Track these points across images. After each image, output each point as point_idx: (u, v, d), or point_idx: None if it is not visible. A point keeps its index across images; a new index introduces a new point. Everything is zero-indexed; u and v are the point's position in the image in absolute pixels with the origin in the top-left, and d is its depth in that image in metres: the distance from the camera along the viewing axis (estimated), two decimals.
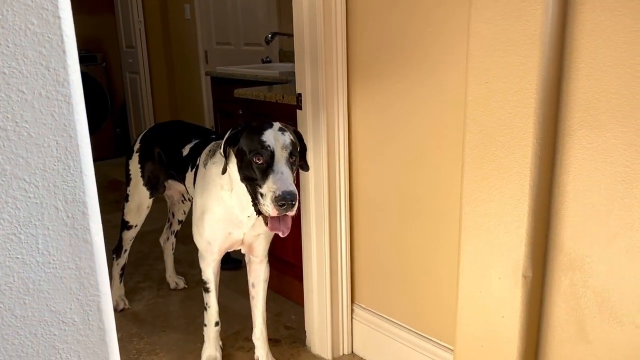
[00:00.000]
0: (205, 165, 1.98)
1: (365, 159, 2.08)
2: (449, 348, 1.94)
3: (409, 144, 1.91)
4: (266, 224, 1.71)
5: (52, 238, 0.68)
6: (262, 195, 1.63)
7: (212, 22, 5.05)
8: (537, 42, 1.42)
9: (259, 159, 1.64)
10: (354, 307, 2.28)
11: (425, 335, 2.03)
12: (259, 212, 1.71)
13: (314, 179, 2.10)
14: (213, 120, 4.41)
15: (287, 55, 4.26)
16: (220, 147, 1.80)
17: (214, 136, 2.29)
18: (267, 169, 1.63)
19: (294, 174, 1.69)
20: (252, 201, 1.72)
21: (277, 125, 1.70)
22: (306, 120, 2.02)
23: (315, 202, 2.13)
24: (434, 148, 1.84)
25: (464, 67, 1.65)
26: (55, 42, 0.64)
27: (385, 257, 2.11)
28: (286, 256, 2.64)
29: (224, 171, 1.76)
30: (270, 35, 3.83)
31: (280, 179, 1.59)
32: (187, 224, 2.98)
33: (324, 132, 2.02)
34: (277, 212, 1.59)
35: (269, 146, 1.64)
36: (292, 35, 3.74)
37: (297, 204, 1.61)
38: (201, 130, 2.48)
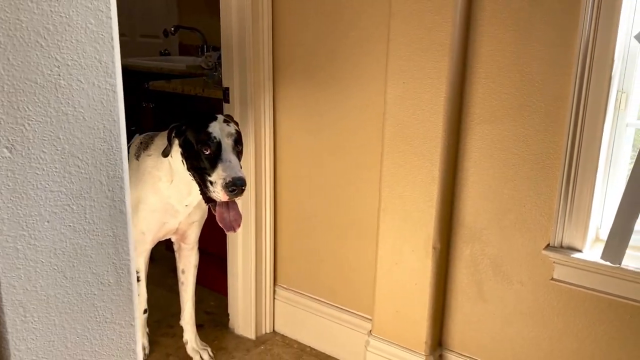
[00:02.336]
0: (137, 157, 2.02)
1: (289, 150, 2.25)
2: (366, 317, 2.17)
3: (332, 134, 2.11)
4: (217, 217, 1.80)
5: (96, 209, 0.78)
6: (211, 183, 1.73)
7: None
8: (447, 50, 1.69)
9: (206, 150, 1.74)
10: (276, 288, 2.44)
11: (345, 308, 2.25)
12: (207, 200, 1.81)
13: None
14: None
15: (188, 49, 4.28)
16: (162, 135, 1.86)
17: (133, 128, 2.32)
18: (215, 158, 1.73)
19: (240, 161, 1.81)
20: (200, 189, 1.82)
21: (221, 117, 1.82)
22: (233, 113, 2.15)
23: None
24: (355, 138, 2.06)
25: (382, 68, 1.88)
26: (107, 39, 0.75)
27: (306, 239, 2.30)
28: (208, 247, 2.73)
29: (165, 154, 1.84)
30: (172, 28, 3.85)
31: (229, 167, 1.71)
32: None
33: (252, 123, 2.16)
34: (227, 197, 1.71)
35: (215, 137, 1.75)
36: (195, 29, 3.80)
37: (246, 188, 1.74)
38: None
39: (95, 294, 0.81)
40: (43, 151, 0.71)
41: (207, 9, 3.96)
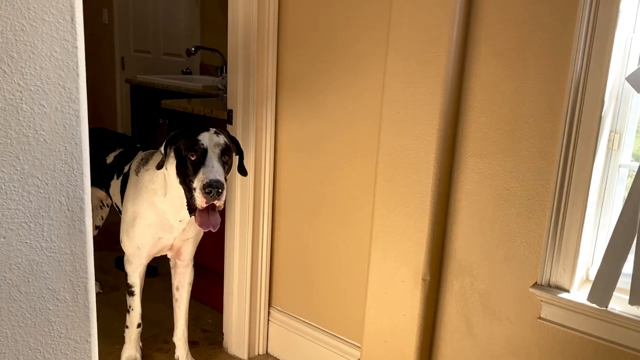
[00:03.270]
0: (137, 172, 2.08)
1: (287, 174, 2.28)
2: (356, 345, 2.17)
3: (327, 161, 2.14)
4: (197, 220, 1.84)
5: (55, 227, 0.82)
6: (194, 189, 1.79)
7: (130, 28, 5.05)
8: (441, 82, 1.70)
9: (192, 155, 1.81)
10: (271, 310, 2.45)
11: (335, 334, 2.25)
12: (191, 211, 1.86)
13: (240, 190, 2.27)
14: (130, 128, 4.42)
15: (208, 69, 4.38)
16: (159, 150, 1.93)
17: (138, 145, 2.39)
18: (200, 164, 1.80)
19: (227, 173, 1.86)
20: (186, 201, 1.86)
21: (212, 129, 1.89)
22: (236, 134, 2.19)
23: (240, 211, 2.29)
24: (349, 166, 2.08)
25: (378, 94, 1.90)
26: (71, 67, 0.79)
27: (301, 263, 2.32)
28: (205, 263, 2.77)
29: (159, 166, 1.90)
30: (193, 49, 3.95)
31: (209, 171, 1.77)
32: (103, 230, 3.02)
33: (252, 146, 2.20)
34: (204, 200, 1.75)
35: (202, 144, 1.82)
36: (215, 50, 3.89)
37: (224, 193, 1.77)
38: (125, 138, 2.55)
39: (50, 309, 0.84)
40: (2, 170, 0.75)
41: (227, 30, 4.06)
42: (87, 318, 0.88)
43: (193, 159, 1.81)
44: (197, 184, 1.78)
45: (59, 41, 0.77)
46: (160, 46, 4.79)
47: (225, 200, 1.84)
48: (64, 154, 0.80)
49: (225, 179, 1.83)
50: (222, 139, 1.86)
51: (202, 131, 1.86)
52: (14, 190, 0.77)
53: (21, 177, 0.77)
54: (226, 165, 1.85)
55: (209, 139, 1.83)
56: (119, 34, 5.13)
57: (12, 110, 0.74)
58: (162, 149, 1.90)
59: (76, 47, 0.79)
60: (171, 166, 1.90)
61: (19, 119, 0.75)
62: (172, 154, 1.90)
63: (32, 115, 0.76)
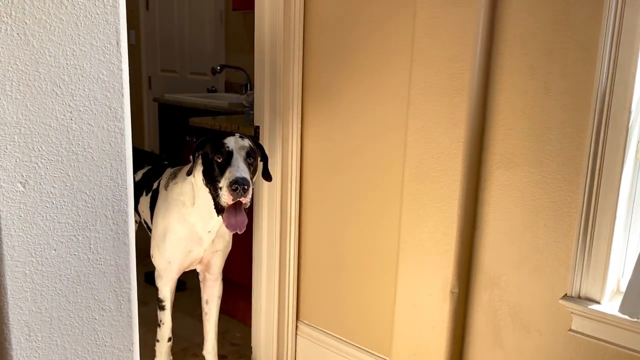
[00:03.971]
0: (166, 187, 2.14)
1: (313, 187, 2.32)
2: (384, 359, 2.17)
3: (353, 173, 2.16)
4: (224, 221, 1.90)
5: (100, 240, 0.86)
6: (220, 189, 1.85)
7: (157, 49, 5.18)
8: (465, 97, 1.73)
9: (219, 158, 1.88)
10: (299, 324, 2.47)
11: (363, 348, 2.26)
12: (219, 211, 1.91)
13: (267, 205, 2.31)
14: (158, 146, 4.51)
15: (233, 87, 4.46)
16: (190, 164, 2.00)
17: (166, 162, 2.45)
18: (226, 165, 1.86)
19: (252, 174, 1.92)
20: (213, 202, 1.92)
21: (237, 134, 1.97)
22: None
23: (267, 224, 2.33)
24: (375, 179, 2.11)
25: (404, 106, 1.93)
26: (117, 88, 0.84)
27: (328, 276, 2.34)
28: (233, 277, 2.81)
29: (189, 173, 1.97)
30: (219, 67, 4.03)
31: (235, 170, 1.83)
32: None
33: (279, 159, 2.24)
34: (231, 197, 1.81)
35: (228, 147, 1.89)
36: (239, 68, 3.97)
37: (249, 190, 1.83)
38: (153, 156, 2.63)
39: (96, 319, 0.88)
40: (53, 187, 0.79)
41: (251, 49, 4.14)
42: (130, 327, 0.92)
43: (219, 161, 1.87)
44: (223, 182, 1.84)
45: (105, 64, 0.82)
46: (186, 65, 4.90)
47: (252, 200, 1.90)
48: (109, 170, 0.85)
49: (251, 180, 1.88)
50: (247, 142, 1.93)
51: (228, 135, 1.94)
52: (64, 205, 0.81)
53: (70, 193, 0.81)
54: (251, 167, 1.92)
55: (235, 142, 1.90)
56: (146, 54, 5.27)
57: (62, 129, 0.79)
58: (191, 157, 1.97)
59: (121, 70, 0.83)
60: (198, 173, 1.96)
61: (69, 138, 0.80)
62: (200, 161, 1.95)
63: (80, 134, 0.81)
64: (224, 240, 2.15)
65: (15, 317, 0.79)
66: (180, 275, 2.24)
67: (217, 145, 1.90)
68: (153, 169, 2.38)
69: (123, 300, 0.90)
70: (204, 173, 1.94)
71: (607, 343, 1.61)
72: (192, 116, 3.25)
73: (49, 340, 0.83)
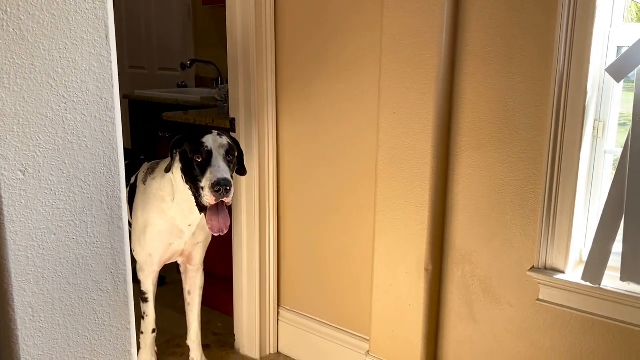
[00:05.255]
0: (144, 182, 2.16)
1: (290, 175, 2.38)
2: (364, 338, 2.25)
3: (329, 160, 2.23)
4: (208, 224, 1.93)
5: (97, 224, 0.91)
6: (202, 188, 1.88)
7: (125, 45, 5.14)
8: (433, 82, 1.81)
9: (199, 157, 1.90)
10: (280, 310, 2.54)
11: (343, 329, 2.34)
12: (201, 209, 1.94)
13: (246, 194, 2.36)
14: (130, 143, 4.49)
15: (204, 81, 4.47)
16: (166, 162, 2.02)
17: (142, 157, 2.47)
18: (206, 165, 1.89)
19: (232, 171, 1.95)
20: (195, 200, 1.95)
21: (215, 132, 1.99)
22: (240, 140, 2.28)
23: (246, 215, 2.38)
24: (350, 165, 2.18)
25: (375, 95, 2.00)
26: (107, 79, 0.88)
27: (307, 261, 2.40)
28: (214, 269, 2.85)
29: (167, 170, 1.99)
30: (189, 62, 4.04)
31: (217, 170, 1.86)
32: None
33: (256, 150, 2.29)
34: (214, 197, 1.84)
35: (207, 146, 1.90)
36: (210, 63, 3.99)
37: (231, 190, 1.86)
38: (128, 152, 2.64)
39: (94, 299, 0.93)
40: (51, 174, 0.84)
41: (221, 43, 4.16)
42: (126, 307, 0.97)
43: (199, 160, 1.89)
44: (205, 183, 1.86)
45: (96, 57, 0.86)
46: (155, 62, 4.88)
47: (232, 198, 1.92)
48: (103, 158, 0.90)
49: (232, 177, 1.92)
50: (225, 140, 1.96)
51: (206, 133, 1.96)
52: (62, 192, 0.86)
53: (67, 180, 0.86)
54: (231, 164, 1.95)
55: (213, 141, 1.92)
56: None
57: (58, 119, 0.83)
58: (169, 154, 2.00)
59: (110, 62, 0.88)
60: (177, 170, 1.99)
61: (64, 127, 0.84)
62: (178, 158, 1.98)
63: (75, 123, 0.85)
64: (204, 232, 2.19)
65: (19, 299, 0.83)
66: (160, 270, 2.27)
67: (196, 144, 1.91)
68: (129, 164, 2.40)
69: (119, 281, 0.95)
70: (184, 172, 1.96)
71: (573, 310, 1.72)
72: (164, 112, 3.27)
73: (52, 321, 0.88)
